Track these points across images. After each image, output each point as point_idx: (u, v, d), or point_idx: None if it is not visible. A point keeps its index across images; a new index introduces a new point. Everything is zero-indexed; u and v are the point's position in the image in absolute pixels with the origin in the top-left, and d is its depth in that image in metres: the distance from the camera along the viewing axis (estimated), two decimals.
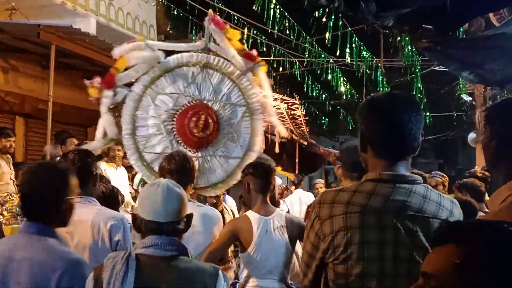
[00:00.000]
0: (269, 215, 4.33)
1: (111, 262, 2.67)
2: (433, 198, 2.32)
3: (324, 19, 11.44)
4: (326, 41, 12.55)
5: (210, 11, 5.75)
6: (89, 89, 5.22)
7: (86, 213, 3.92)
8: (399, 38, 10.98)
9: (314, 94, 17.25)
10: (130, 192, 8.60)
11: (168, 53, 5.53)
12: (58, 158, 7.49)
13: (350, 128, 26.22)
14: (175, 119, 5.39)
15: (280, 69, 15.31)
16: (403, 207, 2.25)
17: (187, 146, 5.39)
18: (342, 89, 16.38)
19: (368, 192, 2.29)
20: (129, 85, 5.37)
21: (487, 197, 6.52)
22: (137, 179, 8.22)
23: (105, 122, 5.22)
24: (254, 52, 5.69)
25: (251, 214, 4.35)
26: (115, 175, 7.93)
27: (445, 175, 7.73)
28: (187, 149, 5.30)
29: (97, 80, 5.22)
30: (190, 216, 2.87)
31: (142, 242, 2.75)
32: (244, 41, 12.73)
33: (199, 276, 2.72)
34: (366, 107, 2.46)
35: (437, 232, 1.33)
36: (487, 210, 5.82)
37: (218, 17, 5.66)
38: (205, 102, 5.49)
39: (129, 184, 8.81)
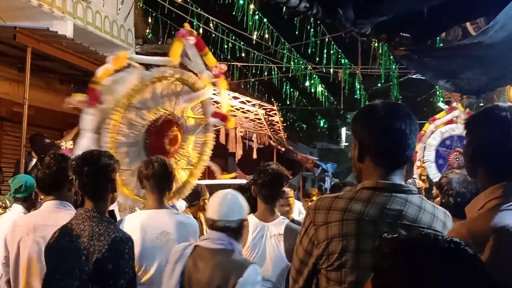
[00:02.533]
0: (269, 222, 4.26)
1: (176, 250, 3.49)
2: (428, 208, 2.33)
3: (299, 25, 11.48)
4: (304, 48, 12.60)
5: (186, 25, 5.84)
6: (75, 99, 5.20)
7: (60, 218, 3.88)
8: (376, 44, 11.05)
9: (293, 100, 17.29)
10: None
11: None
12: (34, 161, 7.42)
13: (327, 134, 26.37)
14: (148, 134, 5.37)
15: (258, 74, 15.32)
16: (399, 217, 2.25)
17: None
18: (320, 95, 16.43)
19: (364, 200, 2.29)
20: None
21: None
22: None
23: (88, 140, 5.15)
24: (223, 67, 5.92)
25: (251, 218, 4.28)
26: None
27: (419, 181, 7.96)
28: None
29: (83, 99, 5.19)
30: (244, 220, 3.49)
31: (204, 235, 3.57)
32: (225, 46, 12.75)
33: (233, 267, 3.25)
34: (366, 115, 2.46)
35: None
36: None
37: (200, 38, 5.83)
38: (174, 116, 5.56)
39: None
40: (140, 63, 5.46)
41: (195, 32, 5.90)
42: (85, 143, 5.06)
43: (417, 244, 1.35)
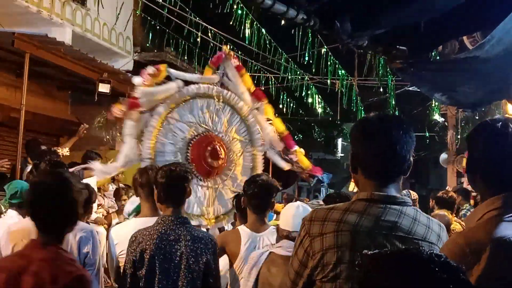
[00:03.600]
0: (261, 232, 4.27)
1: (253, 256, 3.85)
2: (423, 220, 2.34)
3: (299, 37, 11.49)
4: (302, 59, 12.61)
5: (225, 47, 6.09)
6: (115, 108, 5.31)
7: None
8: (372, 57, 11.08)
9: (289, 110, 17.27)
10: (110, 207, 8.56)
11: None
12: (29, 167, 7.41)
13: (323, 145, 26.34)
14: (190, 147, 5.50)
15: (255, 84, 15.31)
16: (393, 228, 2.26)
17: (199, 174, 5.51)
18: (317, 106, 16.43)
19: (359, 212, 2.29)
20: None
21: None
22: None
23: (128, 147, 5.25)
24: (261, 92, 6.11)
25: (242, 229, 4.31)
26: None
27: (413, 193, 8.03)
28: (198, 178, 5.46)
29: (124, 103, 5.36)
30: None
31: (277, 243, 3.81)
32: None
33: None
34: (358, 129, 2.46)
35: None
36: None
37: (237, 60, 6.05)
38: (217, 134, 5.71)
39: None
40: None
41: (232, 53, 6.10)
42: (125, 149, 5.23)
43: (400, 258, 1.36)
